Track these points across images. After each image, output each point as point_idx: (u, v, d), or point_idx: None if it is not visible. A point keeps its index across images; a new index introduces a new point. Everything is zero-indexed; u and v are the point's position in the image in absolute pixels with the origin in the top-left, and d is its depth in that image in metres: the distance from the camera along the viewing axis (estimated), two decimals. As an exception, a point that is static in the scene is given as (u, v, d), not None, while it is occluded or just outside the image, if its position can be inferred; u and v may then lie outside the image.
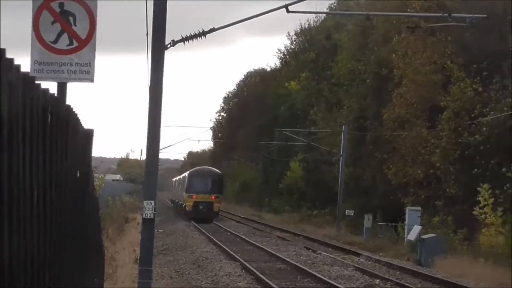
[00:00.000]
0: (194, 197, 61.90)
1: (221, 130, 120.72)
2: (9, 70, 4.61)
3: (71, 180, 7.57)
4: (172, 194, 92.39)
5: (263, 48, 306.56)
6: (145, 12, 17.28)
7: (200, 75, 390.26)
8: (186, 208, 63.33)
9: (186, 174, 70.23)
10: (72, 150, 7.49)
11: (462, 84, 40.11)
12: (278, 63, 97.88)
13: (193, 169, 69.87)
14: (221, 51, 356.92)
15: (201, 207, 61.31)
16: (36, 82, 5.66)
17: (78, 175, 8.19)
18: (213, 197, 61.93)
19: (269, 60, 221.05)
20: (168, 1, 16.96)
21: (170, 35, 17.50)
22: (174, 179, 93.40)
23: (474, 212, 35.22)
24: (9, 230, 4.66)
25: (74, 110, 7.92)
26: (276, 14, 19.49)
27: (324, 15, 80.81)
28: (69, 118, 7.35)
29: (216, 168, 72.76)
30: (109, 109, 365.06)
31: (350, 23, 62.31)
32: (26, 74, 5.15)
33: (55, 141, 6.37)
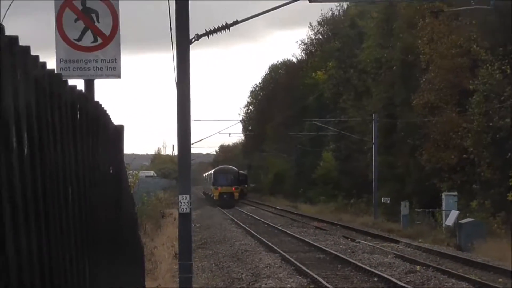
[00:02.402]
0: (219, 189, 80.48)
1: (251, 123, 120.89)
2: (35, 67, 4.52)
3: (105, 176, 7.48)
4: (203, 188, 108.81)
5: (287, 41, 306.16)
6: (167, 8, 17.19)
7: (226, 70, 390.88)
8: (214, 197, 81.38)
9: (211, 171, 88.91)
10: (103, 146, 7.40)
11: (490, 67, 39.65)
12: (303, 54, 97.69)
13: (217, 168, 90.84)
14: (246, 46, 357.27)
15: (224, 196, 79.26)
16: (63, 79, 5.57)
17: (111, 171, 8.10)
18: (233, 189, 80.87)
19: (294, 52, 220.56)
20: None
21: (194, 30, 17.47)
22: (204, 175, 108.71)
23: (509, 198, 34.94)
24: (46, 228, 4.57)
25: (103, 106, 7.85)
26: (299, 6, 19.34)
27: (346, 3, 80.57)
28: (98, 114, 7.26)
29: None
30: (140, 106, 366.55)
31: (374, 10, 61.96)
32: (52, 71, 5.07)
33: (85, 138, 6.28)
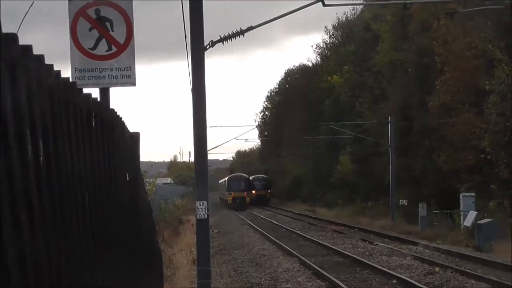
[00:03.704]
0: (232, 194, 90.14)
1: (267, 128, 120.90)
2: (49, 76, 4.56)
3: (121, 183, 7.52)
4: (219, 193, 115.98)
5: (303, 46, 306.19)
6: (181, 16, 17.26)
7: (242, 76, 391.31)
8: (228, 201, 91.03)
9: (226, 179, 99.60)
10: (120, 154, 7.44)
11: (506, 67, 39.48)
12: (318, 58, 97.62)
13: (230, 175, 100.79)
14: (262, 52, 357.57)
15: (237, 200, 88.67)
16: (78, 87, 5.63)
17: (128, 178, 8.14)
18: (245, 194, 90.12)
19: (309, 56, 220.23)
20: (204, 2, 16.92)
21: (210, 37, 17.51)
22: (220, 181, 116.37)
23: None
24: (64, 235, 4.61)
25: (118, 114, 7.90)
26: (314, 11, 19.19)
27: (361, 6, 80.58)
28: (114, 121, 7.32)
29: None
30: (156, 114, 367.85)
31: (388, 13, 61.82)
32: (66, 80, 5.11)
33: (101, 145, 6.33)
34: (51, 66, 4.62)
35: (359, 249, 33.04)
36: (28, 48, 4.08)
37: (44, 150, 4.23)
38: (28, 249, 3.83)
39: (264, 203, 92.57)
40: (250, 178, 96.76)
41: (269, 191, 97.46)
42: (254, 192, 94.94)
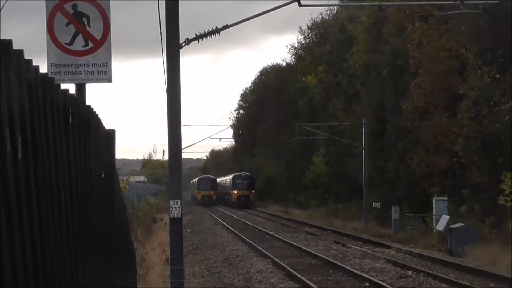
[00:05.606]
0: (201, 192, 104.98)
1: (241, 127, 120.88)
2: (28, 71, 4.50)
3: (96, 180, 7.45)
4: (191, 192, 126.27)
5: (279, 46, 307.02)
6: (157, 14, 17.19)
7: (218, 75, 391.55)
8: (198, 199, 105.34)
9: (196, 179, 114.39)
10: (95, 150, 7.38)
11: (479, 72, 39.61)
12: (292, 58, 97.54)
13: (200, 177, 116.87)
14: (238, 51, 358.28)
15: (205, 198, 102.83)
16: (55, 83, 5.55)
17: (103, 175, 8.07)
18: (212, 192, 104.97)
19: (284, 56, 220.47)
20: (180, 1, 16.87)
21: (185, 34, 17.46)
22: (192, 181, 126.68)
23: (499, 201, 34.95)
24: (40, 232, 4.55)
25: (94, 110, 7.82)
26: (290, 11, 19.28)
27: (336, 7, 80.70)
28: (90, 118, 7.25)
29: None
30: (130, 112, 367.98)
31: (363, 14, 61.89)
32: (45, 75, 5.05)
33: (78, 142, 6.26)
34: (30, 61, 4.56)
35: (332, 251, 33.10)
36: (8, 42, 4.03)
37: (22, 145, 4.17)
38: (5, 246, 3.76)
39: (248, 205, 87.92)
40: (231, 176, 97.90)
41: (252, 191, 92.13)
42: (236, 192, 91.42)
